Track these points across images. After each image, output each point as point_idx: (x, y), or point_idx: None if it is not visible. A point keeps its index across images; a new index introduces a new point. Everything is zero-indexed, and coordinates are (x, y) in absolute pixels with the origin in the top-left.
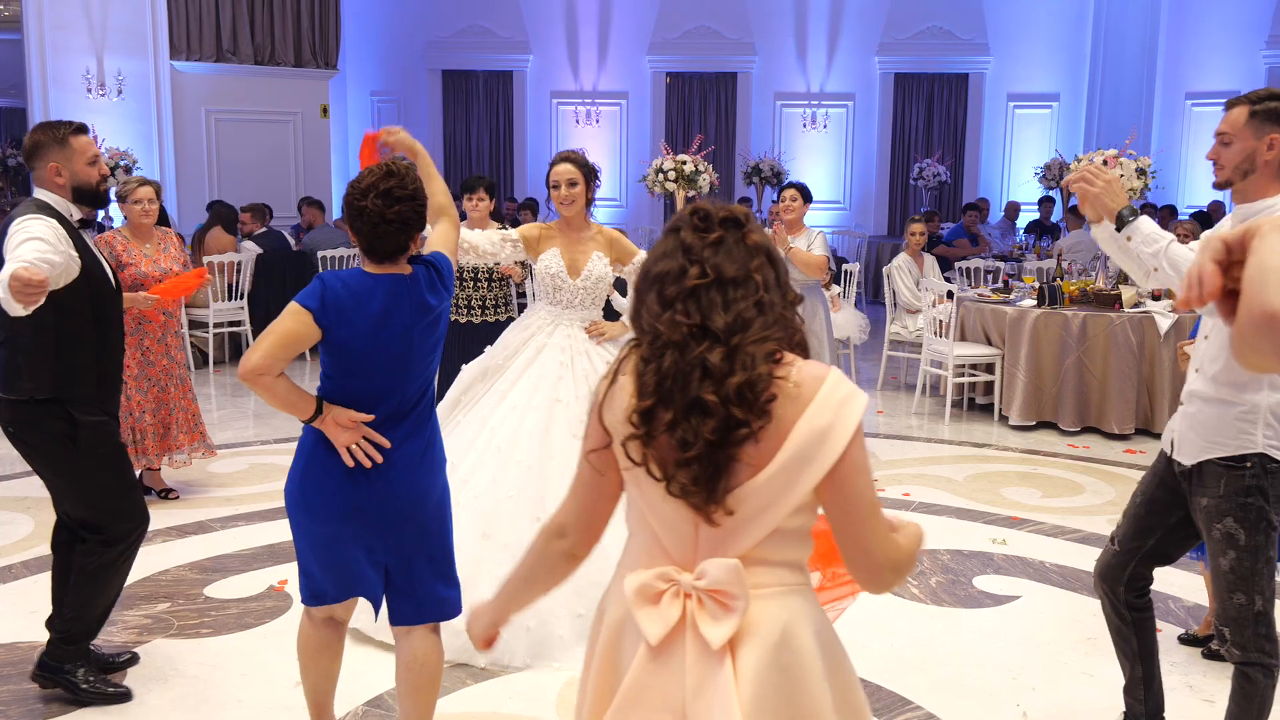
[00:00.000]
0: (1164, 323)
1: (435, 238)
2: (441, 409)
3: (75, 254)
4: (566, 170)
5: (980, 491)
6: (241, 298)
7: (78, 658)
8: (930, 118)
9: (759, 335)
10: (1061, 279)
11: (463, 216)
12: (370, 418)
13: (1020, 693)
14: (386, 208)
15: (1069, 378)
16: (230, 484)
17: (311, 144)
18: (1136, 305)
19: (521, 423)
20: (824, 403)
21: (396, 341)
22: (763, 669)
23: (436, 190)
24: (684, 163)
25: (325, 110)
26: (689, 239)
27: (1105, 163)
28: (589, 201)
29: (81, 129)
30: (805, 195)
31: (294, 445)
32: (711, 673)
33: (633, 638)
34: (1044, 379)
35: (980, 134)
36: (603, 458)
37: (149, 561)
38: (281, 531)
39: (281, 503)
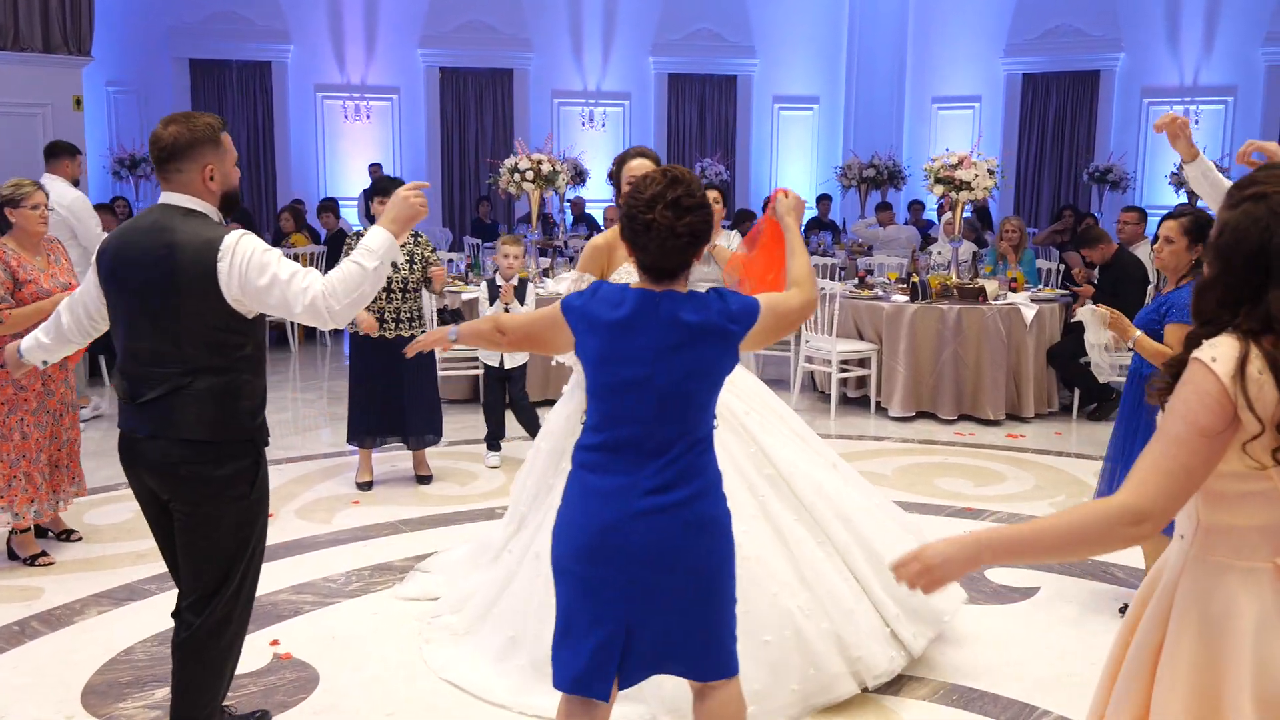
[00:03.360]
0: (1029, 313)
1: (771, 296)
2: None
3: None
4: (648, 166)
5: (915, 484)
6: None
7: None
8: (703, 118)
9: None
10: (917, 274)
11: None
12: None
13: None
14: (677, 219)
15: (946, 369)
16: (123, 537)
17: (64, 140)
18: (998, 298)
19: None
20: None
21: (647, 362)
22: None
23: (797, 265)
24: (540, 162)
25: (79, 102)
26: None
27: (960, 163)
28: None
29: (225, 124)
30: (726, 198)
31: None
32: None
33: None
34: (922, 371)
35: (750, 134)
36: (1224, 443)
37: (102, 636)
38: None
39: None
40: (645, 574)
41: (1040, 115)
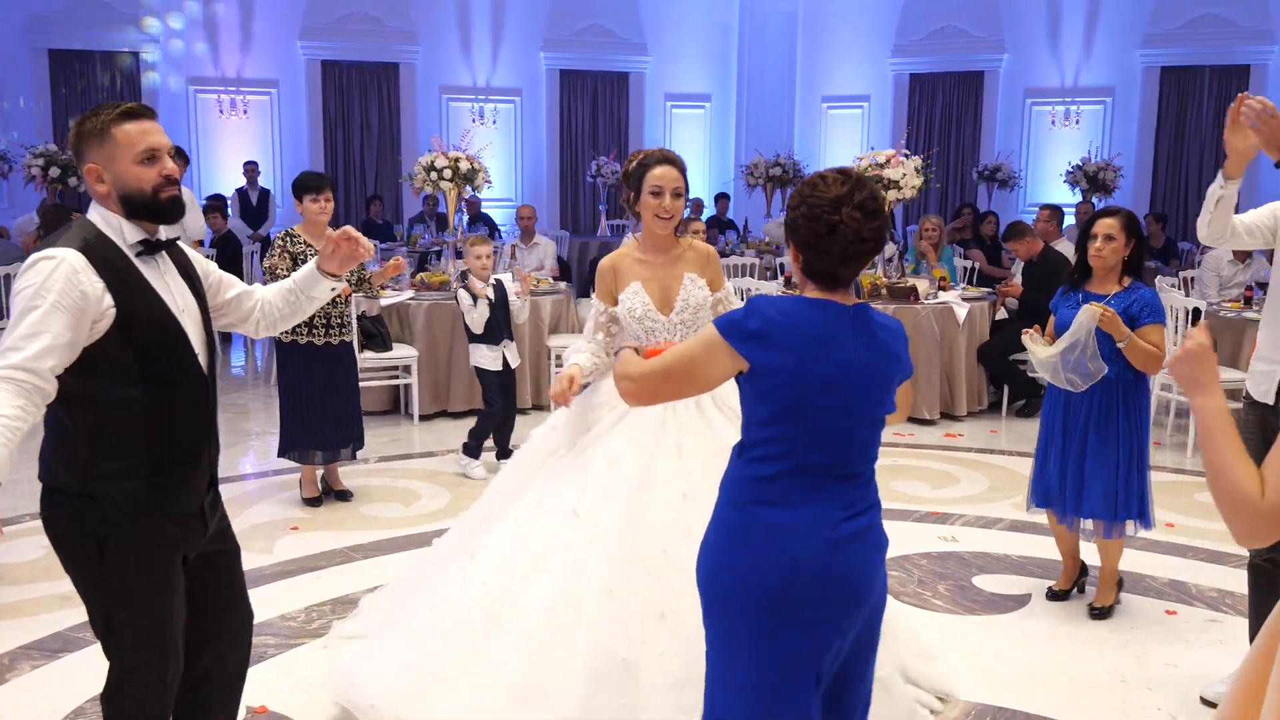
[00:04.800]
0: (961, 312)
1: None
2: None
3: (109, 301)
4: (674, 176)
5: None
6: None
7: None
8: (595, 115)
9: None
10: None
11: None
12: None
13: (1146, 695)
14: (865, 223)
15: None
16: (40, 577)
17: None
18: (929, 297)
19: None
20: None
21: (838, 379)
22: None
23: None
24: (458, 160)
25: None
26: None
27: (888, 162)
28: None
29: (134, 112)
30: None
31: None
32: None
33: None
34: None
35: (642, 132)
36: None
37: (43, 696)
38: None
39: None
40: (839, 609)
41: (928, 115)
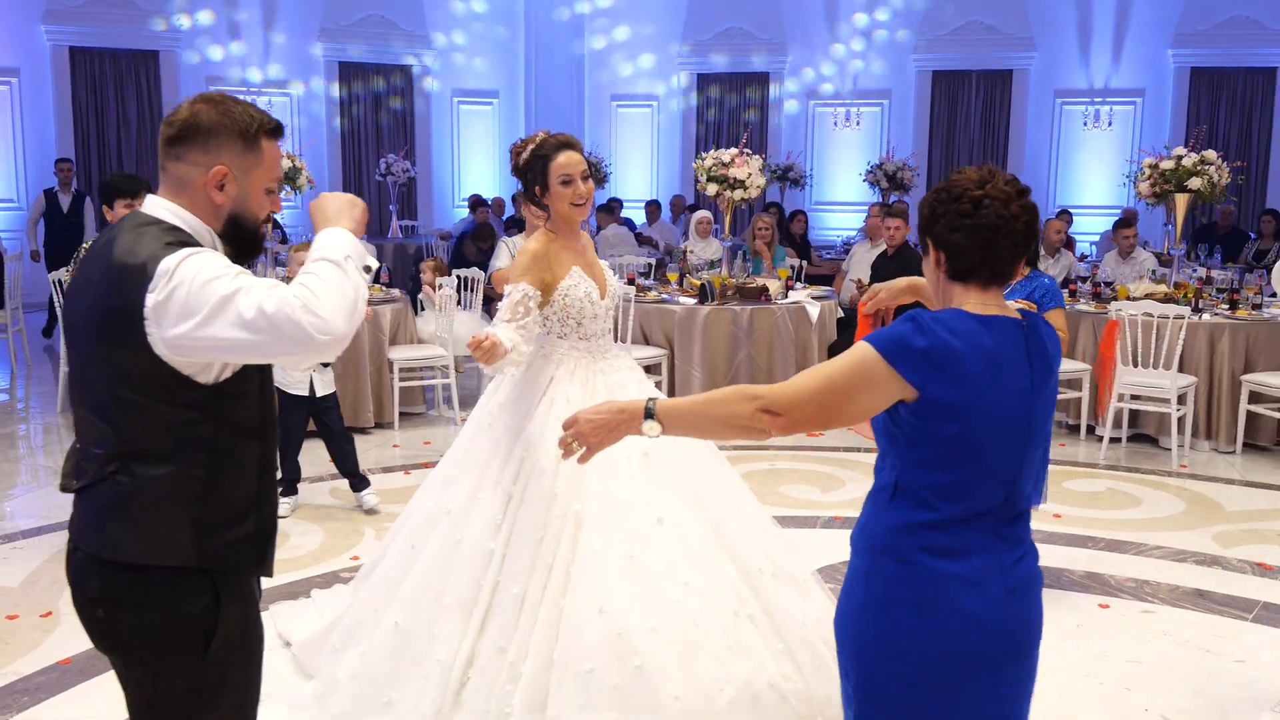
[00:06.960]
0: (814, 311)
1: None
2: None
3: None
4: (578, 160)
5: (764, 495)
6: None
7: None
8: (379, 111)
9: None
10: (689, 274)
11: (102, 225)
12: None
13: (1126, 694)
14: (1015, 197)
15: (742, 371)
16: None
17: None
18: (779, 297)
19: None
20: None
21: (1015, 408)
22: None
23: None
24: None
25: None
26: None
27: (732, 161)
28: None
29: (280, 130)
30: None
31: None
32: None
33: None
34: (718, 374)
35: (430, 128)
36: None
37: None
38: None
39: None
40: (1017, 666)
41: (716, 114)
